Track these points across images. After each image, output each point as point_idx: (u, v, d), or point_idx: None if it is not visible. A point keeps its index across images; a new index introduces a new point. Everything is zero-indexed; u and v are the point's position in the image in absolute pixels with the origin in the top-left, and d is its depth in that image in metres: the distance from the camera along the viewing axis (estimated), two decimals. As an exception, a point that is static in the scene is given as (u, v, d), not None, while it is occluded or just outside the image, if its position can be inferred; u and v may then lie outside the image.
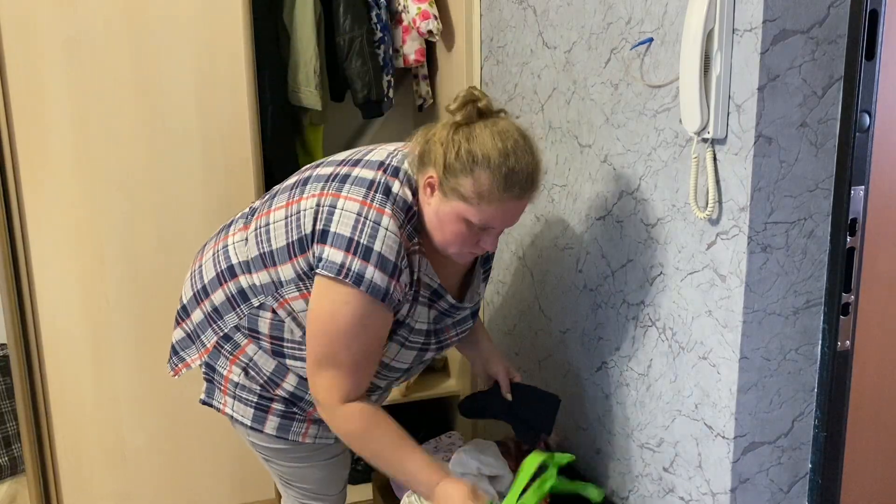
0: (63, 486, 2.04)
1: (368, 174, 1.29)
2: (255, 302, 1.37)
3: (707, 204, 1.24)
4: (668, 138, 1.35)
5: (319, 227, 1.27)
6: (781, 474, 1.31)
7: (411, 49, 2.22)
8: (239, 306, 1.39)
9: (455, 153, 1.23)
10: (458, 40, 2.14)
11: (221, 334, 1.41)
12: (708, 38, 1.18)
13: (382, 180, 1.28)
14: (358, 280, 1.22)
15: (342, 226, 1.24)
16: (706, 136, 1.22)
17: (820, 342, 1.27)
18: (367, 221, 1.24)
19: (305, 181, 1.36)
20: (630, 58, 1.43)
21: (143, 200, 1.95)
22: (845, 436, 1.28)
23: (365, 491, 2.29)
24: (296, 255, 1.31)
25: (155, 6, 1.88)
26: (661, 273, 1.40)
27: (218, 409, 1.45)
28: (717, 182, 1.23)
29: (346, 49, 2.11)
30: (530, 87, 1.83)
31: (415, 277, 1.32)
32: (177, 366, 1.51)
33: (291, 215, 1.32)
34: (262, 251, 1.35)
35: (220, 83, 1.95)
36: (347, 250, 1.23)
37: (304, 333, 1.35)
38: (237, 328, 1.40)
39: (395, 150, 1.36)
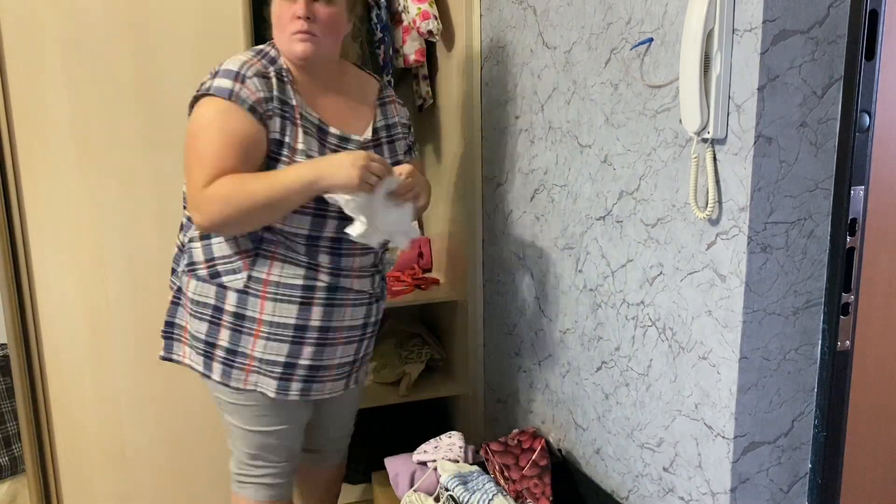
0: (63, 486, 2.04)
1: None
2: (186, 238, 1.56)
3: (707, 204, 1.24)
4: (668, 138, 1.35)
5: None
6: (781, 474, 1.31)
7: (411, 49, 2.22)
8: (182, 251, 1.59)
9: None
10: (458, 40, 2.14)
11: (176, 287, 1.61)
12: (708, 38, 1.18)
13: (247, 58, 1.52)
14: (207, 90, 1.45)
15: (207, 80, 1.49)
16: (706, 136, 1.22)
17: (820, 342, 1.27)
18: (221, 67, 1.48)
19: None
20: (630, 58, 1.43)
21: (143, 200, 1.96)
22: (845, 436, 1.28)
23: (365, 491, 2.29)
24: None
25: (155, 6, 1.88)
26: (660, 273, 1.40)
27: (178, 362, 1.64)
28: (717, 182, 1.23)
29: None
30: (530, 87, 1.83)
31: (291, 103, 1.49)
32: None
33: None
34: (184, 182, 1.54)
35: (220, 83, 1.95)
36: (204, 83, 1.48)
37: (230, 243, 1.51)
38: (183, 272, 1.58)
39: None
